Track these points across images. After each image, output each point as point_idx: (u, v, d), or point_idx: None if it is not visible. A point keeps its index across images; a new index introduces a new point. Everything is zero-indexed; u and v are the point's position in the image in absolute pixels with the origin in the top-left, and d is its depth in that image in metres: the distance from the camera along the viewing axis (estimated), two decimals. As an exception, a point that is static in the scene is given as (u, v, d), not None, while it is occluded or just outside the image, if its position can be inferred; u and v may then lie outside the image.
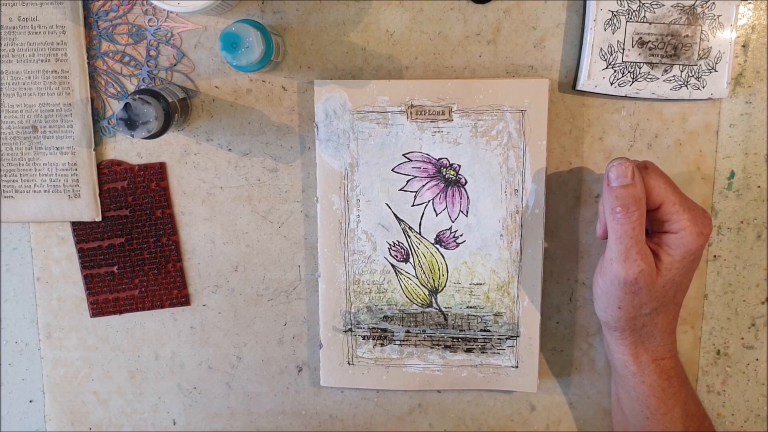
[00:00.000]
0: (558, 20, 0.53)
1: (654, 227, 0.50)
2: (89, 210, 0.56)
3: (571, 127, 0.55)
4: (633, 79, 0.52)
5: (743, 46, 0.54)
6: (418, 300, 0.56)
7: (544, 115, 0.53)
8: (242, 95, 0.55)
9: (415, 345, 0.57)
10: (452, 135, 0.53)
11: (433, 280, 0.56)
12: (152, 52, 0.55)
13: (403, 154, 0.54)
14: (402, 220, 0.55)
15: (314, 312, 0.58)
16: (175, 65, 0.55)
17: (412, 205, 0.55)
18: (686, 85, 0.52)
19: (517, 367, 0.56)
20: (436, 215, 0.55)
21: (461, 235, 0.55)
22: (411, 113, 0.53)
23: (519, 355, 0.56)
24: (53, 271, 0.58)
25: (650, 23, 0.51)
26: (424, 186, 0.54)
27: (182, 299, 0.58)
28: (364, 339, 0.57)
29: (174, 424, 0.60)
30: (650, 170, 0.48)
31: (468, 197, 0.54)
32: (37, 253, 0.58)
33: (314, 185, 0.56)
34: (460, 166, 0.54)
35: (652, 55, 0.52)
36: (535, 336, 0.56)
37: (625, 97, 0.53)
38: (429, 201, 0.55)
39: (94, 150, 0.56)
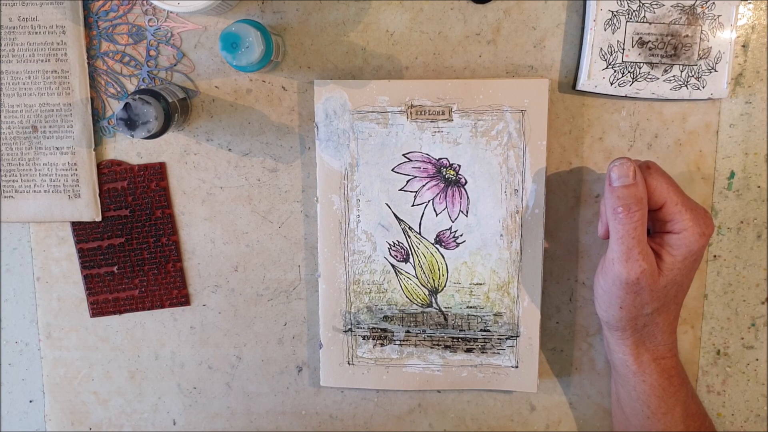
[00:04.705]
0: (558, 20, 0.53)
1: (656, 227, 0.50)
2: (89, 210, 0.56)
3: (571, 127, 0.55)
4: (633, 79, 0.52)
5: (743, 46, 0.54)
6: (418, 300, 0.56)
7: (544, 115, 0.53)
8: (242, 95, 0.55)
9: (415, 345, 0.57)
10: (452, 135, 0.53)
11: (433, 280, 0.56)
12: (152, 52, 0.55)
13: (403, 154, 0.54)
14: (402, 220, 0.55)
15: (314, 312, 0.58)
16: (175, 65, 0.55)
17: (412, 205, 0.55)
18: (686, 85, 0.52)
19: (517, 367, 0.56)
20: (436, 215, 0.55)
21: (461, 235, 0.55)
22: (411, 113, 0.53)
23: (519, 355, 0.56)
24: (53, 271, 0.58)
25: (650, 23, 0.51)
26: (424, 186, 0.54)
27: (182, 299, 0.58)
28: (364, 339, 0.57)
29: (174, 424, 0.60)
30: (652, 170, 0.48)
31: (468, 197, 0.54)
32: (37, 253, 0.58)
33: (314, 185, 0.56)
34: (460, 166, 0.54)
35: (652, 55, 0.52)
36: (535, 336, 0.56)
37: (625, 97, 0.53)
38: (429, 201, 0.55)
39: (94, 150, 0.56)
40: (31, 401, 0.61)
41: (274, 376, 0.60)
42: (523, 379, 0.56)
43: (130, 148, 0.56)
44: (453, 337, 0.56)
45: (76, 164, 0.56)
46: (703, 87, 0.52)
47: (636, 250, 0.47)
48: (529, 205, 0.54)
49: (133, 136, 0.48)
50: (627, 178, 0.47)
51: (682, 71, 0.52)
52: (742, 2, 0.52)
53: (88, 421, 0.61)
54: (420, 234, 0.55)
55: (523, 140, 0.53)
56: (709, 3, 0.51)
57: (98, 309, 0.58)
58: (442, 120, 0.53)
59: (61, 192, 0.56)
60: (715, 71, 0.52)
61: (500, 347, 0.56)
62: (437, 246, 0.55)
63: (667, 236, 0.48)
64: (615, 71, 0.52)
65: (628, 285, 0.47)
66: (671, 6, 0.51)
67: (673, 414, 0.51)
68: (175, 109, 0.51)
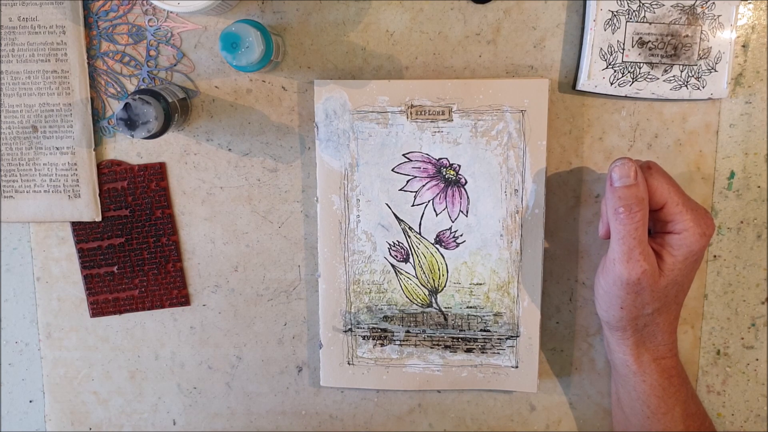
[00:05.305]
0: (558, 20, 0.53)
1: (656, 227, 0.50)
2: (89, 210, 0.56)
3: (571, 127, 0.55)
4: (633, 79, 0.52)
5: (743, 46, 0.54)
6: (418, 300, 0.56)
7: (544, 115, 0.53)
8: (242, 95, 0.55)
9: (415, 345, 0.57)
10: (452, 135, 0.53)
11: (433, 280, 0.56)
12: (152, 52, 0.55)
13: (403, 154, 0.54)
14: (402, 220, 0.55)
15: (314, 312, 0.58)
16: (175, 65, 0.55)
17: (412, 205, 0.55)
18: (686, 85, 0.52)
19: (517, 367, 0.56)
20: (436, 215, 0.55)
21: (461, 235, 0.55)
22: (411, 113, 0.53)
23: (519, 355, 0.56)
24: (53, 271, 0.58)
25: (650, 23, 0.51)
26: (424, 186, 0.54)
27: (182, 299, 0.58)
28: (364, 339, 0.57)
29: (174, 424, 0.60)
30: (653, 170, 0.48)
31: (468, 197, 0.54)
32: (37, 253, 0.58)
33: (314, 185, 0.56)
34: (460, 166, 0.54)
35: (652, 55, 0.52)
36: (535, 336, 0.56)
37: (625, 97, 0.53)
38: (429, 201, 0.55)
39: (94, 150, 0.56)
40: (31, 401, 0.61)
41: (274, 376, 0.60)
42: (523, 379, 0.56)
43: (130, 148, 0.56)
44: (453, 337, 0.56)
45: (76, 164, 0.56)
46: (703, 87, 0.52)
47: (637, 250, 0.47)
48: (529, 205, 0.54)
49: (133, 136, 0.48)
50: (628, 179, 0.47)
51: (682, 71, 0.52)
52: (742, 2, 0.52)
53: (88, 421, 0.61)
54: (420, 234, 0.55)
55: (523, 140, 0.53)
56: (709, 3, 0.51)
57: (98, 309, 0.58)
58: (442, 120, 0.53)
59: (61, 192, 0.56)
60: (715, 71, 0.52)
61: (500, 347, 0.56)
62: (437, 246, 0.55)
63: (667, 236, 0.48)
64: (615, 71, 0.52)
65: (629, 285, 0.47)
66: (671, 6, 0.51)
67: (673, 414, 0.51)
68: (175, 109, 0.51)
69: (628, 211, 0.46)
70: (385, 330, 0.57)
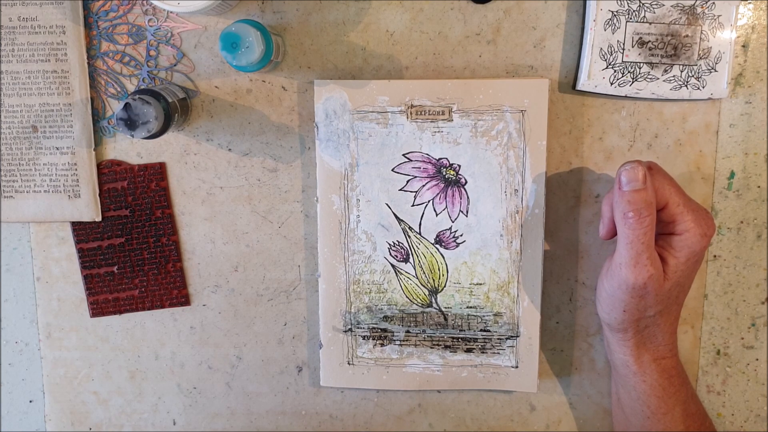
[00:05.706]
0: (558, 20, 0.53)
1: (657, 228, 0.50)
2: (89, 210, 0.56)
3: (571, 127, 0.55)
4: (633, 79, 0.52)
5: (743, 46, 0.54)
6: (418, 300, 0.56)
7: (544, 115, 0.53)
8: (242, 95, 0.55)
9: (415, 345, 0.57)
10: (452, 135, 0.53)
11: (433, 280, 0.56)
12: (152, 52, 0.55)
13: (403, 154, 0.54)
14: (402, 220, 0.55)
15: (314, 312, 0.58)
16: (175, 65, 0.55)
17: (412, 205, 0.55)
18: (686, 85, 0.52)
19: (517, 367, 0.56)
20: (436, 215, 0.55)
21: (461, 235, 0.55)
22: (411, 113, 0.53)
23: (519, 355, 0.56)
24: (53, 271, 0.58)
25: (650, 23, 0.51)
26: (424, 186, 0.54)
27: (182, 299, 0.58)
28: (364, 339, 0.57)
29: (174, 424, 0.60)
30: (654, 171, 0.48)
31: (468, 197, 0.54)
32: (37, 253, 0.58)
33: (314, 185, 0.56)
34: (460, 166, 0.54)
35: (652, 55, 0.52)
36: (535, 336, 0.56)
37: (625, 97, 0.53)
38: (429, 201, 0.55)
39: (94, 150, 0.56)
40: (31, 401, 0.61)
41: (274, 376, 0.60)
42: (523, 379, 0.56)
43: (130, 148, 0.56)
44: (453, 337, 0.56)
45: (76, 164, 0.56)
46: (703, 87, 0.52)
47: (645, 255, 0.46)
48: (529, 205, 0.54)
49: (133, 136, 0.48)
50: (637, 182, 0.46)
51: (682, 71, 0.52)
52: (742, 2, 0.52)
53: (88, 421, 0.61)
54: (420, 234, 0.55)
55: (523, 140, 0.53)
56: (709, 3, 0.51)
57: (98, 309, 0.58)
58: (442, 120, 0.53)
59: (61, 192, 0.56)
60: (715, 71, 0.52)
61: (500, 347, 0.56)
62: (437, 246, 0.55)
63: (669, 238, 0.48)
64: (615, 71, 0.52)
65: (635, 290, 0.47)
66: (671, 6, 0.51)
67: (673, 414, 0.51)
68: (175, 109, 0.51)
69: (637, 215, 0.46)
70: (385, 330, 0.57)
